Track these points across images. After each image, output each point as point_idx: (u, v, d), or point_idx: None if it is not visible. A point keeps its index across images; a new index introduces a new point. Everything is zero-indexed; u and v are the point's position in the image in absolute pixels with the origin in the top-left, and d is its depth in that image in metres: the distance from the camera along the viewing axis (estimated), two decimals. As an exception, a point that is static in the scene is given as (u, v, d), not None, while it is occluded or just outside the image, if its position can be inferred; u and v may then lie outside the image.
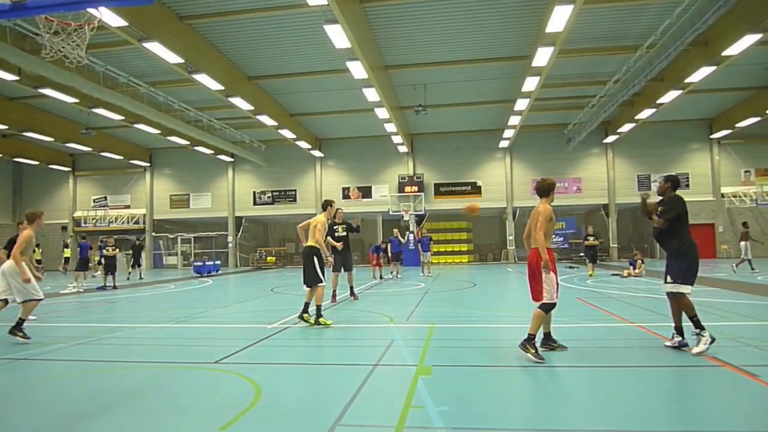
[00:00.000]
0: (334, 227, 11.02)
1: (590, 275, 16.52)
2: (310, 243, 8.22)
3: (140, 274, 22.78)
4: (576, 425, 3.61)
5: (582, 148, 28.96)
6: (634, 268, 16.73)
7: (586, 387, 4.62)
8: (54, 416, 4.07)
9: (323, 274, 8.14)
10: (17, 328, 7.09)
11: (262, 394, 4.41)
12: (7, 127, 23.95)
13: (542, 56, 15.87)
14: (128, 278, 22.12)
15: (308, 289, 8.24)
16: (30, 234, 7.29)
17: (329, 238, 10.64)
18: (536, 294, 5.57)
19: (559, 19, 13.18)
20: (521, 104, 21.17)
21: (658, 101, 21.26)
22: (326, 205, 9.03)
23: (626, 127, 25.71)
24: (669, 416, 3.85)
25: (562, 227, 28.45)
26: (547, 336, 5.78)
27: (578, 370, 5.11)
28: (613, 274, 17.65)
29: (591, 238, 16.92)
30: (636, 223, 32.21)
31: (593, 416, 3.79)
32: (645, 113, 23.17)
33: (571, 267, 23.26)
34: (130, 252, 22.69)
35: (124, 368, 5.65)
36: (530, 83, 18.44)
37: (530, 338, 5.33)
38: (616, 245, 29.57)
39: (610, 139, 28.20)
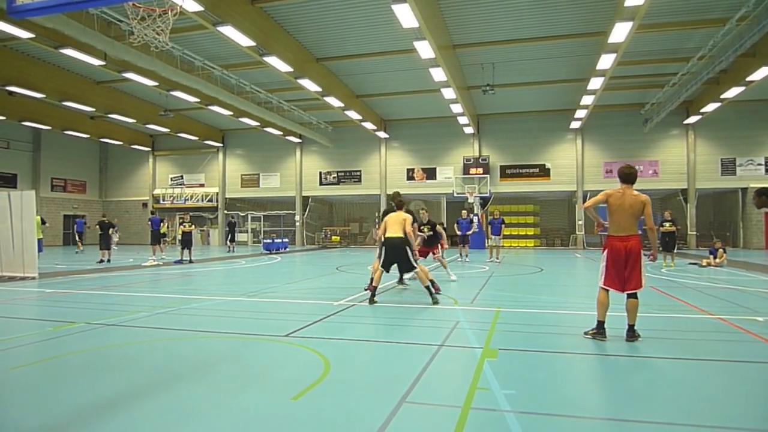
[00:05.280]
0: (421, 228, 10.94)
1: (664, 266, 15.60)
2: (400, 234, 8.32)
3: (234, 248, 25.98)
4: (644, 417, 3.49)
5: (660, 130, 27.37)
6: (715, 258, 15.76)
7: (658, 379, 4.43)
8: (140, 378, 4.40)
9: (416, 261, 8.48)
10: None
11: (331, 368, 4.56)
12: (94, 109, 25.63)
13: (620, 32, 15.03)
14: (228, 250, 25.33)
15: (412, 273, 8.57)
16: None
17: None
18: (635, 282, 5.49)
19: (639, -8, 12.44)
20: (595, 83, 20.23)
21: (749, 78, 19.67)
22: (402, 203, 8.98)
23: (710, 107, 23.97)
24: (745, 413, 3.65)
25: (636, 212, 27.19)
26: (632, 328, 5.56)
27: (652, 361, 4.92)
28: (691, 263, 16.72)
29: (667, 224, 15.92)
30: (718, 209, 30.26)
31: (664, 409, 3.65)
32: (732, 92, 21.47)
33: (643, 255, 22.21)
34: (227, 228, 27.01)
35: (201, 337, 6.00)
36: (605, 61, 17.55)
37: (632, 327, 5.54)
38: (695, 233, 27.93)
39: (692, 119, 26.44)
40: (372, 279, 9.23)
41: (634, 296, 5.53)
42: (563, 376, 4.53)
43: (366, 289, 9.43)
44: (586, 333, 5.69)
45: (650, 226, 5.70)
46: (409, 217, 8.52)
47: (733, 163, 27.22)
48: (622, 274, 5.54)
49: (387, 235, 8.36)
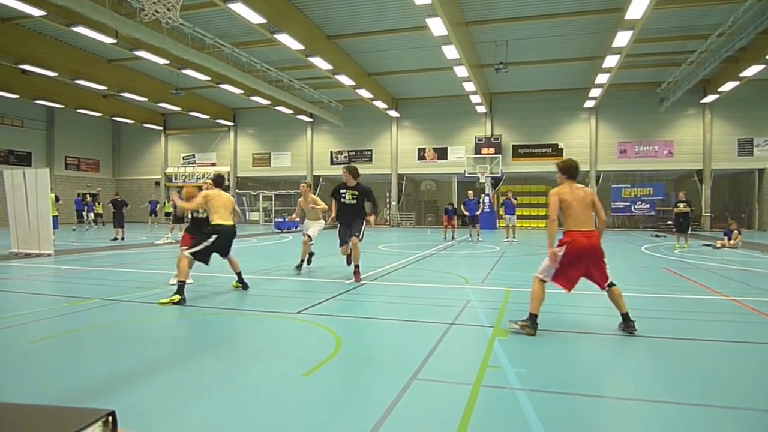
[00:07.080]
0: (342, 191, 8.97)
1: (678, 247, 15.48)
2: (231, 222, 7.39)
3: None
4: (656, 396, 3.49)
5: (675, 109, 26.89)
6: (729, 239, 15.58)
7: (670, 358, 4.40)
8: (154, 353, 4.47)
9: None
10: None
11: (342, 345, 4.60)
12: (106, 87, 25.68)
13: (637, 7, 14.67)
14: None
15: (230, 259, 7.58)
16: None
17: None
18: (603, 279, 5.05)
19: (659, -34, 12.10)
20: (610, 61, 19.84)
21: (769, 56, 19.22)
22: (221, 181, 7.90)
23: (728, 86, 23.47)
24: (759, 394, 3.63)
25: (650, 193, 26.91)
26: (627, 317, 5.09)
27: (664, 341, 4.89)
28: (705, 245, 16.55)
29: (681, 205, 15.73)
30: (733, 190, 29.83)
31: (676, 388, 3.64)
32: (752, 70, 20.96)
33: (657, 236, 22.07)
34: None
35: (214, 313, 6.06)
36: (622, 38, 17.18)
37: (627, 315, 5.04)
38: (710, 214, 27.59)
39: (709, 98, 25.91)
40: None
41: (612, 284, 5.10)
42: (574, 355, 4.53)
43: (298, 267, 9.80)
44: (512, 321, 5.14)
45: (602, 217, 5.36)
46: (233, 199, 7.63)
47: (751, 143, 26.72)
48: (578, 272, 5.08)
49: (221, 221, 7.15)
